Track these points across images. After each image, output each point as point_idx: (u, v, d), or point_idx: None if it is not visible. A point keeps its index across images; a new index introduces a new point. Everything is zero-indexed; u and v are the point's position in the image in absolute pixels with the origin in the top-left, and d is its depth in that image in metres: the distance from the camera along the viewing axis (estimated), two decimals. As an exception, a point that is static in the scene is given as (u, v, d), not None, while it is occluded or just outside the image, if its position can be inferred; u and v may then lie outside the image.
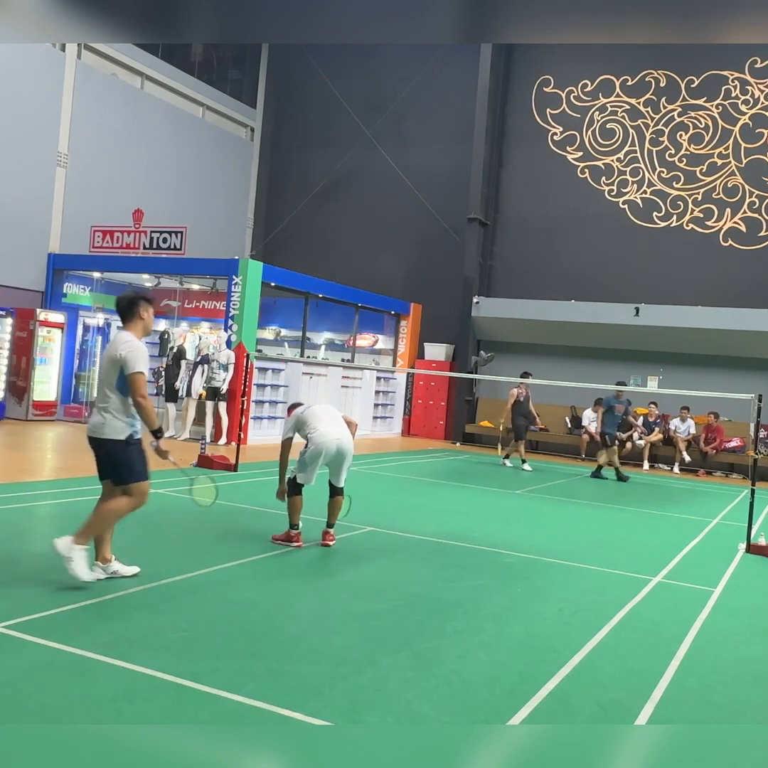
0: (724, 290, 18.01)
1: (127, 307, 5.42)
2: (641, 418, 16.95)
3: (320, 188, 22.14)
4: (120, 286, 18.44)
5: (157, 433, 5.35)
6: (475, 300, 19.52)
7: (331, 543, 7.06)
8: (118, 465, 5.31)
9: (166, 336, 18.16)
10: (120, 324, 5.60)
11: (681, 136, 18.84)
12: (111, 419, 5.26)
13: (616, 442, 14.46)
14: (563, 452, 18.25)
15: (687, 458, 16.58)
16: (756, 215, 18.14)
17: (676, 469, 16.72)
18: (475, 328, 19.72)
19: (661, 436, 17.08)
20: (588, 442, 17.32)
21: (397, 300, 20.21)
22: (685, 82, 18.81)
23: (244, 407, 11.90)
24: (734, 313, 17.23)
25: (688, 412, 16.86)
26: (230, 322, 15.03)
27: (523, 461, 14.90)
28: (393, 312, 20.20)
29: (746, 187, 18.25)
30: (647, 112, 19.14)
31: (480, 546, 7.56)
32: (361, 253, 21.42)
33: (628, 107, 19.31)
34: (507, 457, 15.29)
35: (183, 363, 15.27)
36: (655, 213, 18.95)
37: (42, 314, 15.95)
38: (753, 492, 8.60)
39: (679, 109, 18.87)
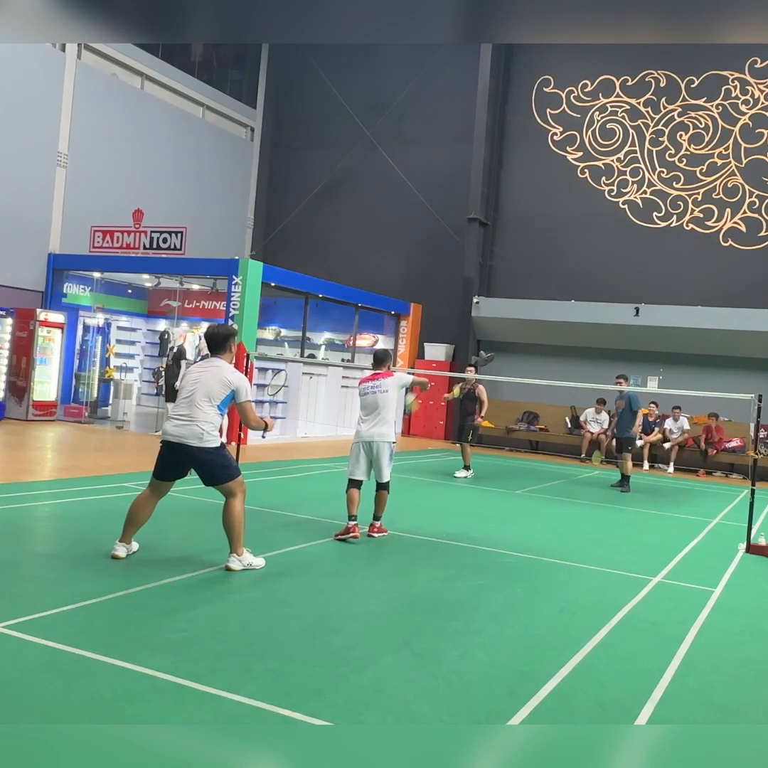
0: (724, 290, 18.00)
1: (224, 341, 6.20)
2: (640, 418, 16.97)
3: (320, 188, 22.14)
4: (120, 286, 18.49)
5: (265, 427, 6.39)
6: (475, 300, 19.53)
7: (375, 534, 7.55)
8: (219, 467, 6.00)
9: (166, 336, 18.18)
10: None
11: (681, 136, 18.84)
12: (210, 429, 5.94)
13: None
14: (563, 452, 18.25)
15: (667, 446, 16.77)
16: (756, 215, 18.14)
17: (670, 469, 16.76)
18: (475, 328, 19.72)
19: (660, 436, 17.09)
20: (591, 441, 17.32)
21: (397, 300, 20.21)
22: (685, 82, 18.81)
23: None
24: (734, 313, 17.23)
25: (680, 412, 16.89)
26: (230, 322, 15.02)
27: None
28: (393, 312, 20.21)
29: (746, 187, 18.25)
30: (647, 112, 19.14)
31: (480, 546, 7.56)
32: (361, 253, 21.41)
33: (628, 107, 19.30)
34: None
35: (183, 363, 15.27)
36: (655, 213, 18.95)
37: (42, 314, 15.94)
38: (753, 492, 8.60)
39: (679, 109, 18.87)
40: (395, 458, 7.75)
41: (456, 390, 13.61)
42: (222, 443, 6.09)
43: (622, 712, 3.96)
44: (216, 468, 5.98)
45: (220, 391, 5.99)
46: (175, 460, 6.02)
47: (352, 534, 7.27)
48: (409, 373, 8.71)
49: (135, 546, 6.14)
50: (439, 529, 8.18)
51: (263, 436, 6.51)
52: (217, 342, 6.20)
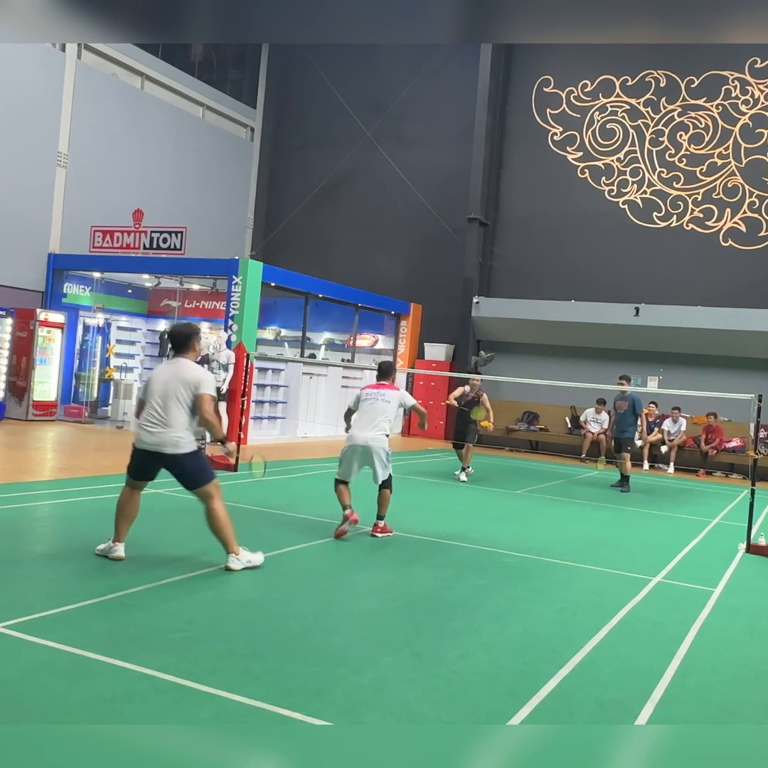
0: (724, 290, 18.00)
1: (187, 340, 6.10)
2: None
3: (320, 188, 22.14)
4: (120, 286, 18.47)
5: (224, 441, 6.19)
6: (475, 300, 19.53)
7: (379, 535, 7.56)
8: (195, 471, 5.97)
9: (166, 336, 18.15)
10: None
11: (681, 136, 18.84)
12: (185, 435, 5.88)
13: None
14: (563, 452, 18.25)
15: (664, 449, 16.85)
16: (756, 215, 18.14)
17: (670, 469, 16.77)
18: (475, 328, 19.71)
19: (660, 436, 17.10)
20: (592, 441, 17.31)
21: (397, 300, 20.20)
22: (685, 82, 18.81)
23: (244, 407, 11.94)
24: (734, 313, 17.23)
25: (679, 413, 16.91)
26: (230, 322, 15.02)
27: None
28: (393, 312, 20.20)
29: (746, 187, 18.25)
30: (647, 112, 19.14)
31: (480, 546, 7.56)
32: (361, 253, 21.41)
33: (628, 107, 19.30)
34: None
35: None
36: (655, 213, 18.95)
37: (42, 314, 15.94)
38: (753, 492, 8.60)
39: (679, 109, 18.87)
40: (393, 458, 7.77)
41: (459, 392, 13.59)
42: (198, 447, 6.05)
43: (622, 712, 3.96)
44: (194, 472, 5.97)
45: (187, 393, 5.90)
46: (150, 466, 6.03)
47: (350, 519, 7.34)
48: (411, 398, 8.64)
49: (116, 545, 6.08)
50: (439, 529, 8.18)
51: (226, 452, 6.39)
52: (181, 341, 6.11)
